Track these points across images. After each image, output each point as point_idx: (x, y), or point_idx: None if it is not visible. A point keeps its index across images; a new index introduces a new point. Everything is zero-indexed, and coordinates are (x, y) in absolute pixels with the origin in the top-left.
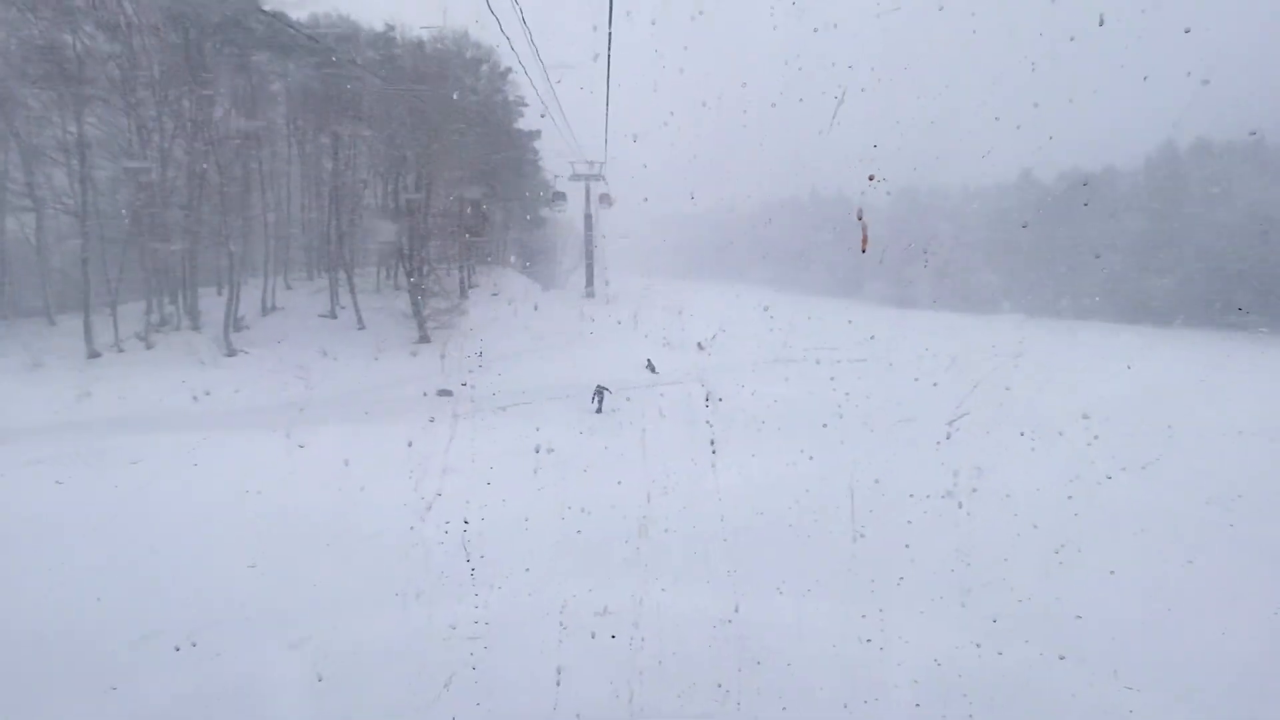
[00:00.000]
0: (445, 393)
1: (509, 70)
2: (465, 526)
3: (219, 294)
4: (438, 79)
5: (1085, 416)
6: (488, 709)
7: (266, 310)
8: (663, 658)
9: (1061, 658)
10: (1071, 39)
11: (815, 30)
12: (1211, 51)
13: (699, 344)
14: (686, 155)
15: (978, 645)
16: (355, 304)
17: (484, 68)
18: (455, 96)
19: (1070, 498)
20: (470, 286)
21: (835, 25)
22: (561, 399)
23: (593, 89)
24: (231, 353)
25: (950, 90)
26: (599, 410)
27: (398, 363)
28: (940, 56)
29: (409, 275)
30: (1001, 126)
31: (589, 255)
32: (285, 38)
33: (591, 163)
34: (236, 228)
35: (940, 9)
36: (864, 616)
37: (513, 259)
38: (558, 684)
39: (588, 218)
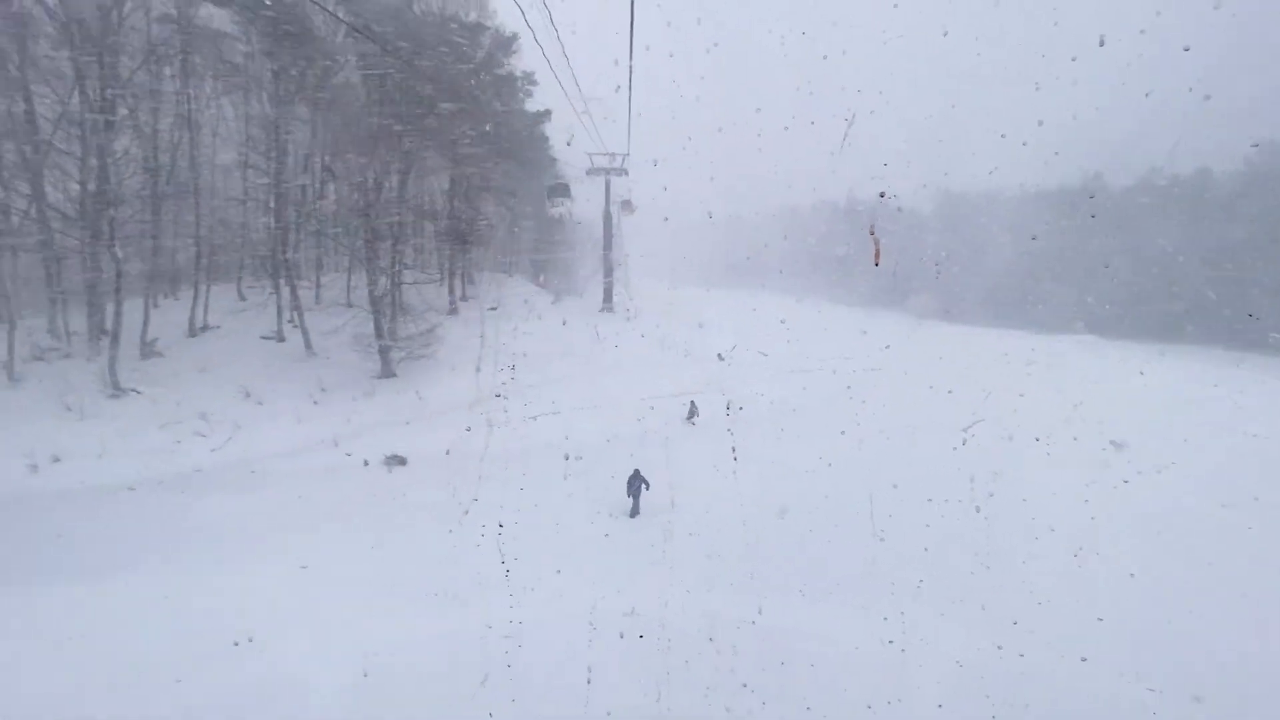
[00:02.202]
0: (396, 460)
1: (515, 38)
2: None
3: (154, 305)
4: (420, 42)
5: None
6: (522, 706)
7: (195, 330)
8: (689, 658)
9: (1083, 660)
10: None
11: (825, 57)
12: None
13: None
14: (704, 174)
15: (999, 647)
16: (302, 323)
17: (486, 35)
18: (436, 61)
19: (1086, 501)
20: (464, 299)
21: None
22: (556, 480)
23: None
24: (117, 392)
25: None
26: (634, 511)
27: (344, 408)
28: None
29: (370, 288)
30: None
31: (607, 264)
32: None
33: (612, 154)
34: (126, 224)
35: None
36: (885, 619)
37: (519, 265)
38: (588, 682)
39: (607, 219)
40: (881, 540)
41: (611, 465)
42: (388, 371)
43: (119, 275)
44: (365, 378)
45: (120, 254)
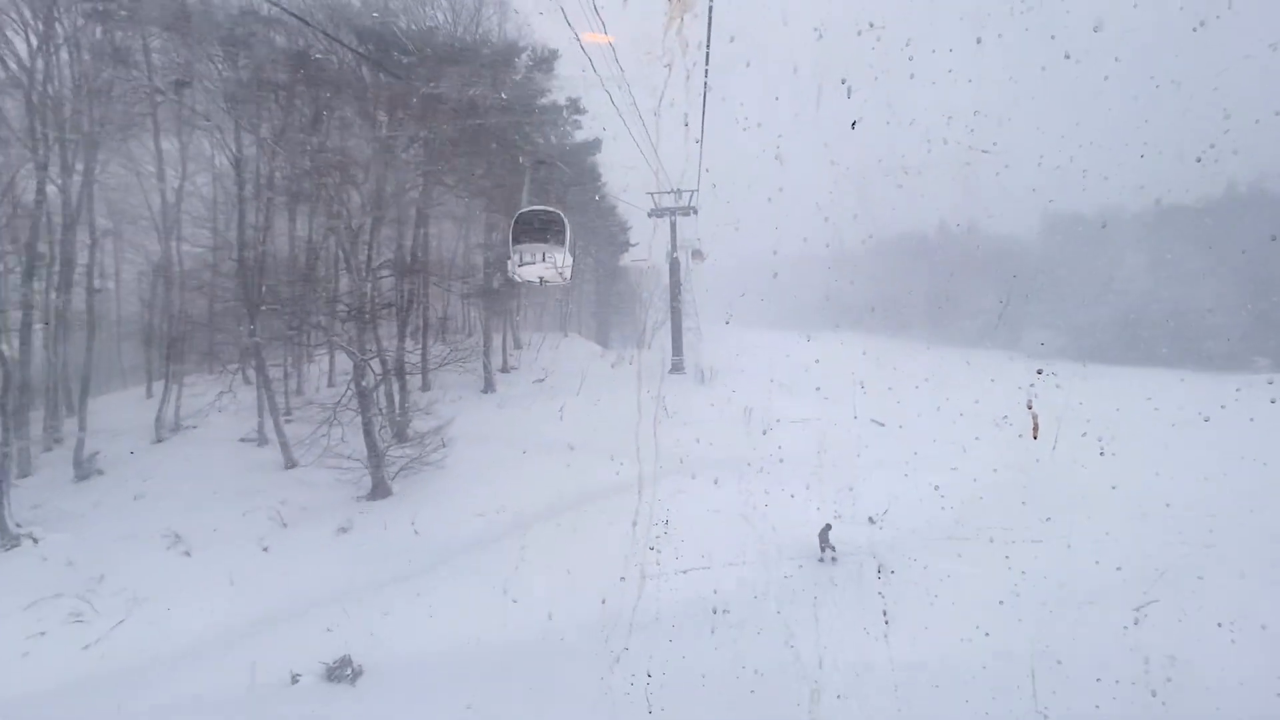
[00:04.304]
0: (343, 672)
1: (555, 55)
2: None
3: (147, 396)
4: (440, 67)
5: None
6: None
7: (164, 433)
8: None
9: None
10: None
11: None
12: None
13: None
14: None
15: None
16: (278, 426)
17: (521, 56)
18: (462, 91)
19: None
20: (505, 370)
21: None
22: None
23: None
24: (10, 543)
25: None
26: None
27: (305, 556)
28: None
29: (356, 380)
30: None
31: (676, 319)
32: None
33: (679, 192)
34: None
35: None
36: None
37: (576, 318)
38: None
39: (674, 267)
40: (1045, 718)
41: None
42: (380, 490)
43: (4, 372)
44: (349, 499)
45: (4, 349)
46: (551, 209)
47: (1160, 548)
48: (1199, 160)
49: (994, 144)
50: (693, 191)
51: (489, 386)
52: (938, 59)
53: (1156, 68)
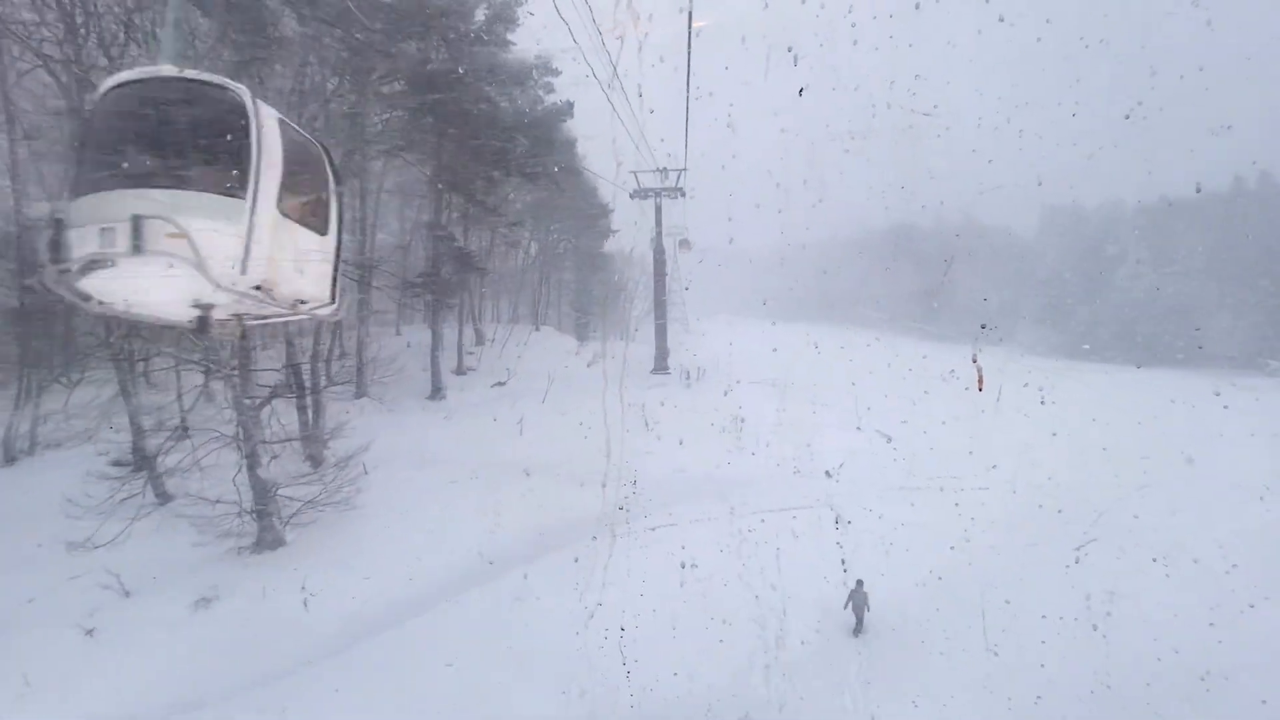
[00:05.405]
0: None
1: (519, 1)
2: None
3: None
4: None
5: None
6: None
7: (14, 453)
8: None
9: None
10: None
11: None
12: None
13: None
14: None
15: None
16: (144, 451)
17: (479, 6)
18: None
19: (1212, 625)
20: (461, 371)
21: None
22: None
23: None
24: None
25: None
26: None
27: (148, 634)
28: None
29: (237, 402)
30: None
31: (660, 315)
32: None
33: (665, 171)
34: None
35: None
36: None
37: (553, 307)
38: None
39: (659, 255)
40: (995, 655)
41: None
42: (269, 539)
43: None
44: (227, 552)
45: None
46: (214, 78)
47: (1098, 490)
48: (1127, 117)
49: (935, 107)
50: (680, 171)
51: (437, 392)
52: (879, 25)
53: (1086, 28)
